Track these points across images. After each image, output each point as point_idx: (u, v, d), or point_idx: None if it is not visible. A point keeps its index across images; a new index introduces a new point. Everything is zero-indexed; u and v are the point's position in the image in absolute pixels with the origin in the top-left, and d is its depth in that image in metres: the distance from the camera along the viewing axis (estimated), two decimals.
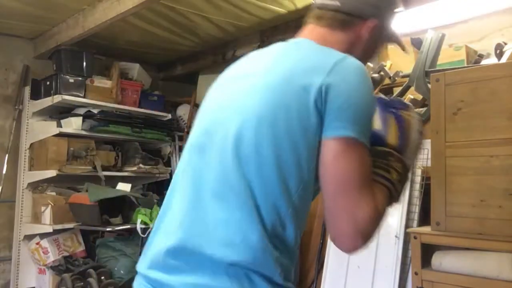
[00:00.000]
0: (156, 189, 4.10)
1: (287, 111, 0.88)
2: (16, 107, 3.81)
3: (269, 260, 0.88)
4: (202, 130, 1.02)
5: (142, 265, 1.00)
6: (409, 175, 1.05)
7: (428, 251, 2.26)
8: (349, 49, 1.03)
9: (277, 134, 0.88)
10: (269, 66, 0.98)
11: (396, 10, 1.19)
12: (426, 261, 2.24)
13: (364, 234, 0.87)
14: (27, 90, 3.82)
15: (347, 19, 1.04)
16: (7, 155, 3.76)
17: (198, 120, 1.08)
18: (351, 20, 1.04)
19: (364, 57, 1.07)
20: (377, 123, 0.99)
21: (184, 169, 1.02)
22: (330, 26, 1.05)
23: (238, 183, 0.89)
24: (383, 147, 0.98)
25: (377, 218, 0.88)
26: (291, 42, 1.08)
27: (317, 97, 0.88)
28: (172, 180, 1.06)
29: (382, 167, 0.95)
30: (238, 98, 0.97)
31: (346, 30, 1.05)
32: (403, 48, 1.29)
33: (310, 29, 1.11)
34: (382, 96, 1.20)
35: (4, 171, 3.73)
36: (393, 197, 0.97)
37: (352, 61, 0.95)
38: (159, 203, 3.51)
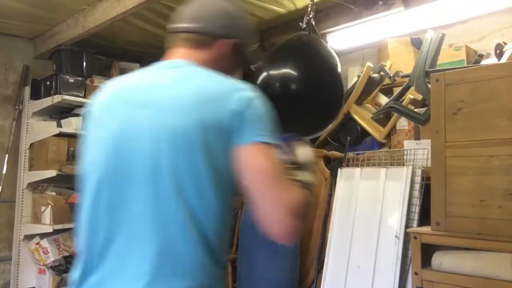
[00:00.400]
0: None
1: (206, 132, 0.97)
2: (16, 107, 3.81)
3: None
4: (108, 161, 1.02)
5: None
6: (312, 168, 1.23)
7: (428, 251, 2.26)
8: (214, 65, 1.15)
9: (206, 155, 0.96)
10: (172, 93, 1.04)
11: (251, 32, 1.31)
12: (426, 261, 2.24)
13: (295, 215, 0.96)
14: (27, 90, 3.82)
15: (206, 40, 1.17)
16: (7, 155, 3.76)
17: (94, 150, 1.08)
18: (211, 40, 1.17)
19: (228, 71, 1.18)
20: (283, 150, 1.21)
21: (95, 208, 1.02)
22: (193, 46, 1.17)
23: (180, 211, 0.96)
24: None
25: (300, 202, 0.99)
26: (177, 66, 1.15)
27: (231, 117, 0.99)
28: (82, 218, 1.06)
29: (290, 173, 1.12)
30: (149, 126, 1.00)
31: (207, 48, 1.17)
32: (253, 67, 1.40)
33: (181, 51, 1.20)
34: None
35: (4, 171, 3.73)
36: (308, 189, 1.12)
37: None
38: None
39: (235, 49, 1.20)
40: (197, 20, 1.19)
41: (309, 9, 2.17)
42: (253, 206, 1.02)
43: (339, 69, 2.07)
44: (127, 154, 1.00)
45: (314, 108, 1.94)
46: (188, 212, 0.96)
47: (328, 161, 3.48)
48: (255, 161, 0.98)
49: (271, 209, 0.99)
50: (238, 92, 1.03)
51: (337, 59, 2.07)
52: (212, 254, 1.00)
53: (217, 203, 1.00)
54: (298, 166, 1.18)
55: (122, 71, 4.03)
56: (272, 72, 1.93)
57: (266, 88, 1.89)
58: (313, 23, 2.10)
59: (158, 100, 1.03)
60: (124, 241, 0.97)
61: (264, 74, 1.93)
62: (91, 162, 1.07)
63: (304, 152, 1.22)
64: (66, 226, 3.51)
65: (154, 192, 0.96)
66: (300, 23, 2.08)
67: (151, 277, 0.93)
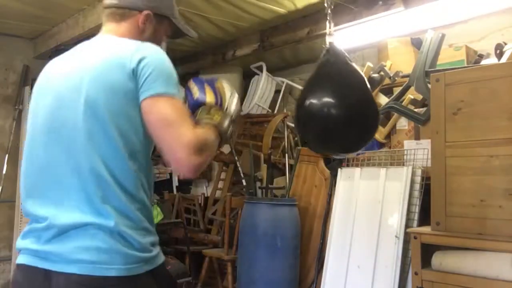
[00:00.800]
0: (156, 189, 4.09)
1: (113, 95, 1.12)
2: (16, 107, 3.81)
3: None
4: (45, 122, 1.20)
5: None
6: (235, 117, 1.32)
7: (428, 251, 2.25)
8: (135, 35, 1.29)
9: (110, 116, 1.11)
10: (86, 64, 1.19)
11: (169, 2, 1.39)
12: (426, 261, 2.24)
13: (193, 150, 1.09)
14: (27, 90, 3.83)
15: (125, 12, 1.30)
16: (7, 155, 3.76)
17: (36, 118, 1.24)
18: (128, 13, 1.31)
19: (152, 41, 1.27)
20: (197, 94, 1.29)
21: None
22: (116, 20, 1.31)
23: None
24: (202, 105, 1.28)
25: (199, 140, 1.11)
26: (96, 40, 1.33)
27: (131, 70, 1.13)
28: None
29: (206, 117, 1.24)
30: (69, 98, 1.16)
31: (127, 21, 1.31)
32: (186, 35, 1.48)
33: (107, 26, 1.34)
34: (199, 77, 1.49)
35: (4, 171, 3.73)
36: (222, 133, 1.24)
37: (150, 44, 1.22)
38: (159, 203, 3.51)
39: (154, 20, 1.33)
40: None
41: (328, 29, 2.24)
42: (161, 149, 1.14)
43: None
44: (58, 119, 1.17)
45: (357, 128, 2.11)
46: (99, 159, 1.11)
47: (328, 161, 3.48)
48: (154, 110, 1.12)
49: (172, 149, 1.11)
50: (138, 52, 1.16)
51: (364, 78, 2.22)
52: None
53: (124, 154, 1.12)
54: (218, 104, 1.29)
55: None
56: (313, 100, 2.10)
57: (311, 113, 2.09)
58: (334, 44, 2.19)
59: (76, 74, 1.18)
60: None
61: (307, 102, 2.10)
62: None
63: (223, 87, 1.34)
64: None
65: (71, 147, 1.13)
66: (323, 45, 2.18)
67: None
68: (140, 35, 1.31)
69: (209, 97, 1.29)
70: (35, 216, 1.16)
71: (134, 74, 1.13)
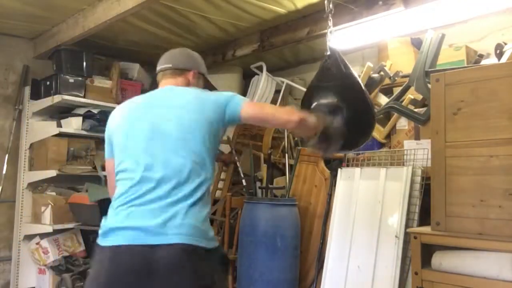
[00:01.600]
0: None
1: (207, 120, 1.66)
2: (16, 107, 3.81)
3: None
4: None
5: None
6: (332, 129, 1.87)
7: (428, 251, 2.26)
8: (187, 86, 1.85)
9: (202, 131, 1.67)
10: (178, 100, 1.73)
11: (204, 65, 1.98)
12: (426, 261, 2.24)
13: (292, 114, 1.70)
14: (27, 90, 3.82)
15: (182, 72, 1.89)
16: (7, 155, 3.76)
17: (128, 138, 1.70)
18: (183, 72, 1.89)
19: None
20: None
21: None
22: (174, 77, 1.88)
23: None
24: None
25: (296, 114, 1.71)
26: (163, 89, 1.88)
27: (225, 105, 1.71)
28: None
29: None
30: (175, 118, 1.67)
31: (182, 76, 1.88)
32: (211, 87, 2.08)
33: (166, 81, 1.89)
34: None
35: (4, 171, 3.73)
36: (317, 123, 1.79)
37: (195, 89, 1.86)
38: None
39: (198, 76, 1.91)
40: (170, 62, 1.90)
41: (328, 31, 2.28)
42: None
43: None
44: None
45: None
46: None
47: (328, 161, 3.48)
48: (254, 107, 1.78)
49: (276, 119, 1.75)
50: (222, 95, 1.76)
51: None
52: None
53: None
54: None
55: (122, 71, 4.03)
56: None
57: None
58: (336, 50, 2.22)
59: (175, 104, 1.70)
60: None
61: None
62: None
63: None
64: (66, 226, 3.51)
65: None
66: (325, 53, 2.24)
67: None
68: (189, 86, 1.86)
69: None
70: None
71: (222, 103, 1.71)
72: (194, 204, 1.53)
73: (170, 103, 1.70)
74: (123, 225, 1.50)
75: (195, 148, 1.59)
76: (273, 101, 4.37)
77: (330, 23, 2.30)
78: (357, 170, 3.00)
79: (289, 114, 1.69)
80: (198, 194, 1.55)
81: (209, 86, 1.98)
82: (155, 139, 1.60)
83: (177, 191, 1.52)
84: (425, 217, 2.53)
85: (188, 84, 1.85)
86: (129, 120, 1.72)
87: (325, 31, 3.22)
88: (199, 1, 3.04)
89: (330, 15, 2.30)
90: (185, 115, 1.63)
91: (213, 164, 1.66)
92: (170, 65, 1.87)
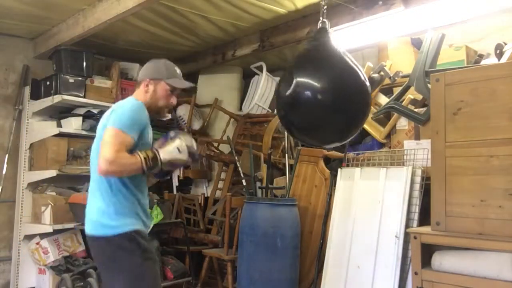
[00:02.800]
0: (156, 189, 4.10)
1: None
2: (16, 107, 3.81)
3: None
4: None
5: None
6: (159, 163, 1.90)
7: (428, 251, 2.26)
8: (145, 97, 2.05)
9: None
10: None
11: (167, 73, 2.07)
12: (426, 261, 2.25)
13: (108, 161, 1.76)
14: (27, 90, 3.82)
15: (137, 85, 2.11)
16: (7, 155, 3.76)
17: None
18: (138, 84, 2.10)
19: (158, 102, 2.07)
20: (159, 142, 2.01)
21: None
22: (136, 87, 2.10)
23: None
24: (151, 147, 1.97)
25: (116, 158, 1.77)
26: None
27: (107, 118, 1.95)
28: None
29: (140, 151, 1.87)
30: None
31: (138, 88, 2.09)
32: (183, 90, 2.14)
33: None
34: (169, 132, 2.08)
35: (4, 171, 3.73)
36: (141, 163, 1.84)
37: (127, 100, 2.05)
38: (159, 203, 3.51)
39: (153, 83, 2.05)
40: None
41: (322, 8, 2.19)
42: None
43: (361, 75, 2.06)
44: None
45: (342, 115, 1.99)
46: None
47: (328, 161, 3.48)
48: (104, 134, 1.87)
49: (100, 158, 1.81)
50: (116, 106, 1.99)
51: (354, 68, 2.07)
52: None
53: None
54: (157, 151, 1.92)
55: (122, 71, 4.03)
56: (300, 81, 1.98)
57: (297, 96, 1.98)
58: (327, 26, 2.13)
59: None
60: None
61: (294, 84, 1.98)
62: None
63: (169, 145, 1.96)
64: (66, 226, 3.51)
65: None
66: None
67: None
68: (145, 94, 2.05)
69: (156, 144, 1.99)
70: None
71: (109, 117, 1.94)
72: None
73: None
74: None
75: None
76: (273, 101, 4.37)
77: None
78: (357, 170, 3.00)
79: (103, 160, 1.77)
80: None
81: (179, 89, 2.10)
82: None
83: None
84: (425, 217, 2.53)
85: (143, 94, 2.05)
86: None
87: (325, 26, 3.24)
88: (199, 1, 3.05)
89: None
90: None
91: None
92: (137, 80, 2.13)
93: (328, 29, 2.14)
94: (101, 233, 1.88)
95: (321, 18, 2.15)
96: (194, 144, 2.08)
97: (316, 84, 1.94)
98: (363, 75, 2.04)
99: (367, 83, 2.04)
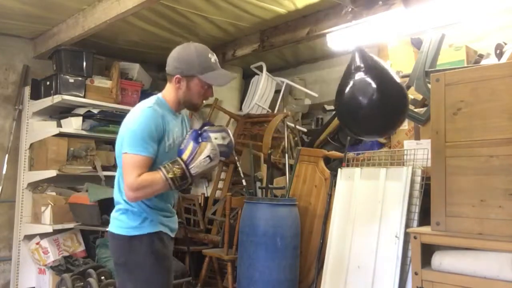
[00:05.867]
0: None
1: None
2: (16, 107, 3.81)
3: None
4: None
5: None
6: (190, 179, 1.83)
7: (428, 251, 2.26)
8: (177, 94, 1.91)
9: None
10: None
11: (200, 68, 1.86)
12: (426, 261, 2.24)
13: (132, 189, 1.76)
14: (27, 90, 3.83)
15: (168, 77, 1.92)
16: (7, 155, 3.76)
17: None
18: (169, 77, 1.91)
19: (191, 98, 1.91)
20: (182, 146, 1.85)
21: None
22: (168, 80, 1.94)
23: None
24: (179, 157, 1.83)
25: (138, 185, 1.75)
26: None
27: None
28: None
29: (166, 167, 1.79)
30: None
31: (170, 82, 1.92)
32: (221, 84, 1.94)
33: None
34: (198, 129, 1.91)
35: (4, 171, 3.73)
36: (169, 184, 1.78)
37: (137, 105, 1.93)
38: None
39: (185, 80, 1.87)
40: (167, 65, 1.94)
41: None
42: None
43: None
44: None
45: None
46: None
47: (328, 161, 3.48)
48: (122, 161, 1.83)
49: (124, 184, 1.80)
50: (127, 120, 1.87)
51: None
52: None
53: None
54: (185, 163, 1.81)
55: (122, 71, 4.03)
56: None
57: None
58: None
59: None
60: None
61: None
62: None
63: (200, 153, 1.80)
64: (66, 226, 3.51)
65: None
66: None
67: None
68: (177, 91, 1.90)
69: (184, 155, 1.81)
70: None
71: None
72: None
73: None
74: None
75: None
76: (273, 101, 4.37)
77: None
78: (357, 170, 3.00)
79: (128, 190, 1.76)
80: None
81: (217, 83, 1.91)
82: None
83: None
84: (425, 217, 2.53)
85: (175, 90, 1.90)
86: None
87: (325, 31, 3.25)
88: (199, 1, 3.05)
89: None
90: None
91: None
92: (166, 69, 1.94)
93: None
94: (116, 231, 1.87)
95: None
96: (227, 138, 1.89)
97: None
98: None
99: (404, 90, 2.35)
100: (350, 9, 2.23)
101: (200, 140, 1.82)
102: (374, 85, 2.19)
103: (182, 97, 1.89)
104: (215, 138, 1.84)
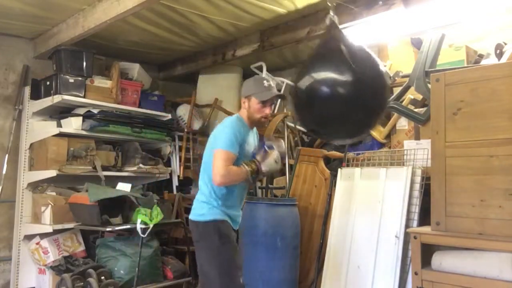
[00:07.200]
0: (156, 189, 4.10)
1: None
2: (16, 107, 3.81)
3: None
4: None
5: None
6: (261, 175, 2.45)
7: (428, 251, 2.26)
8: (245, 113, 2.43)
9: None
10: None
11: (260, 92, 2.37)
12: (426, 261, 2.25)
13: (221, 176, 2.22)
14: (27, 90, 3.82)
15: (241, 99, 2.48)
16: (7, 155, 3.76)
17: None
18: (241, 100, 2.47)
19: (254, 115, 2.40)
20: (256, 151, 2.42)
21: None
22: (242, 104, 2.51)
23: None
24: (254, 158, 2.38)
25: (226, 174, 2.22)
26: None
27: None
28: None
29: (247, 163, 2.33)
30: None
31: (243, 104, 2.45)
32: (275, 98, 2.55)
33: None
34: (266, 143, 2.44)
35: (4, 171, 3.73)
36: (247, 175, 2.31)
37: (226, 118, 2.51)
38: (159, 203, 3.51)
39: (247, 100, 2.41)
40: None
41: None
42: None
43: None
44: None
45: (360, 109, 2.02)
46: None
47: (328, 161, 3.48)
48: (214, 155, 2.29)
49: (213, 171, 2.26)
50: (222, 127, 2.39)
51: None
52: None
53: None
54: (259, 162, 2.36)
55: (122, 71, 4.03)
56: (317, 77, 2.06)
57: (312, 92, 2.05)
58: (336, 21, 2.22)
59: None
60: None
61: (309, 80, 2.09)
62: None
63: (270, 157, 2.37)
64: (66, 226, 3.51)
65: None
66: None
67: None
68: (244, 110, 2.42)
69: (258, 157, 2.37)
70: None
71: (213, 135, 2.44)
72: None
73: None
74: None
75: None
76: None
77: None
78: (357, 170, 3.00)
79: (217, 175, 2.22)
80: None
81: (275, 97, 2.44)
82: None
83: None
84: (425, 217, 2.53)
85: (244, 109, 2.44)
86: None
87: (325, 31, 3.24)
88: (199, 1, 3.04)
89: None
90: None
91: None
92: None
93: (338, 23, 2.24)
94: (193, 218, 2.39)
95: (330, 13, 2.20)
96: (282, 147, 2.48)
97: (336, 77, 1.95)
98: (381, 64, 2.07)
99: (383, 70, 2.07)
100: (334, 17, 2.19)
101: (267, 149, 2.40)
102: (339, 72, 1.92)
103: (248, 115, 2.41)
104: (278, 148, 2.41)
